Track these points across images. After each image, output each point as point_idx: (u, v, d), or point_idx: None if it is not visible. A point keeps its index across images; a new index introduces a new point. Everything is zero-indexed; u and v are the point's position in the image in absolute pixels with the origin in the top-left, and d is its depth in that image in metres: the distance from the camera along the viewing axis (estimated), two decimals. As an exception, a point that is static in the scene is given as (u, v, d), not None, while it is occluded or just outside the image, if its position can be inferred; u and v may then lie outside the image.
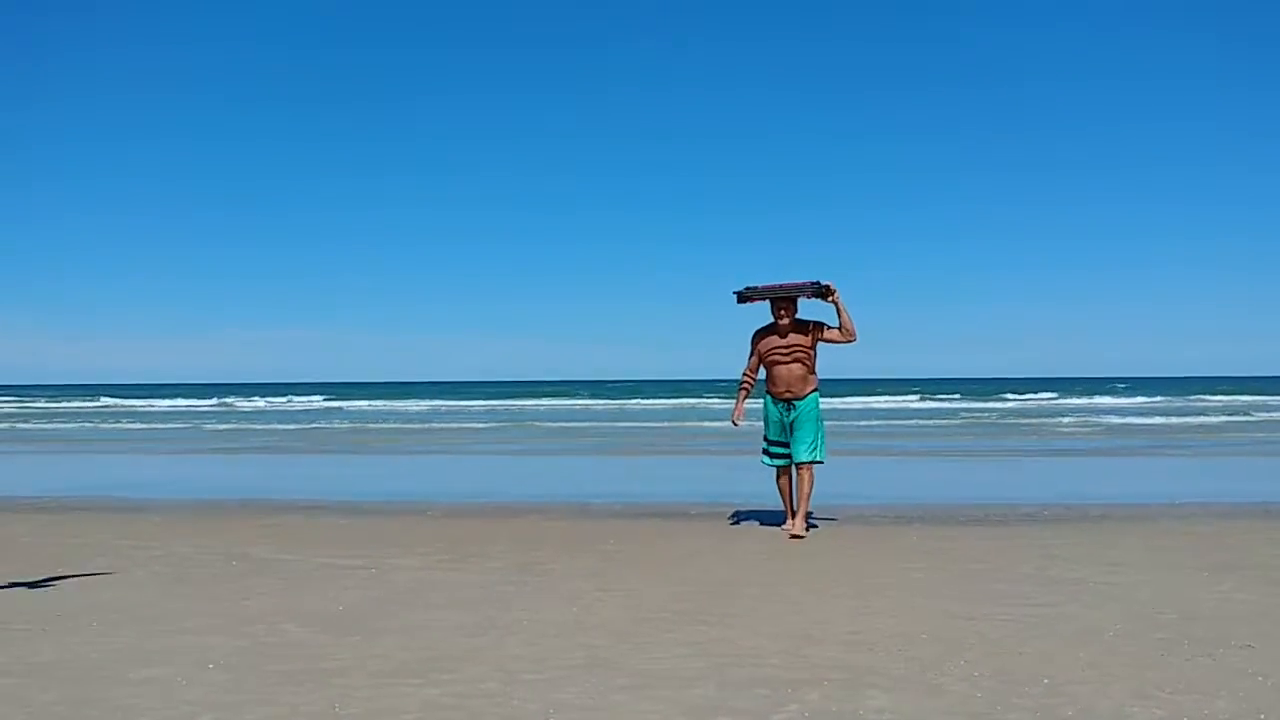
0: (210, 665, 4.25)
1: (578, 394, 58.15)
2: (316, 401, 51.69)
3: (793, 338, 8.01)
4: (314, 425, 30.59)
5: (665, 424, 28.66)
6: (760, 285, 8.08)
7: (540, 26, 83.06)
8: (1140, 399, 45.43)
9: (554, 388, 65.42)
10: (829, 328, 8.01)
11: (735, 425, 8.57)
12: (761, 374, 8.28)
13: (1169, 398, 46.20)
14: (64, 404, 51.20)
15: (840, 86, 79.69)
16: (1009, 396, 49.34)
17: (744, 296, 8.15)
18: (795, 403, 8.02)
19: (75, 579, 6.24)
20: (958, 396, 48.87)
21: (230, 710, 3.68)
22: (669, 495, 10.68)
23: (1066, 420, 29.07)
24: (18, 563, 6.78)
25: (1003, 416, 32.15)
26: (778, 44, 79.58)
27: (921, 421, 29.32)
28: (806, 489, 8.00)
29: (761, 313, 8.19)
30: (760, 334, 8.18)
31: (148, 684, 3.99)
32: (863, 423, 27.27)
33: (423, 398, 54.17)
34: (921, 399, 47.33)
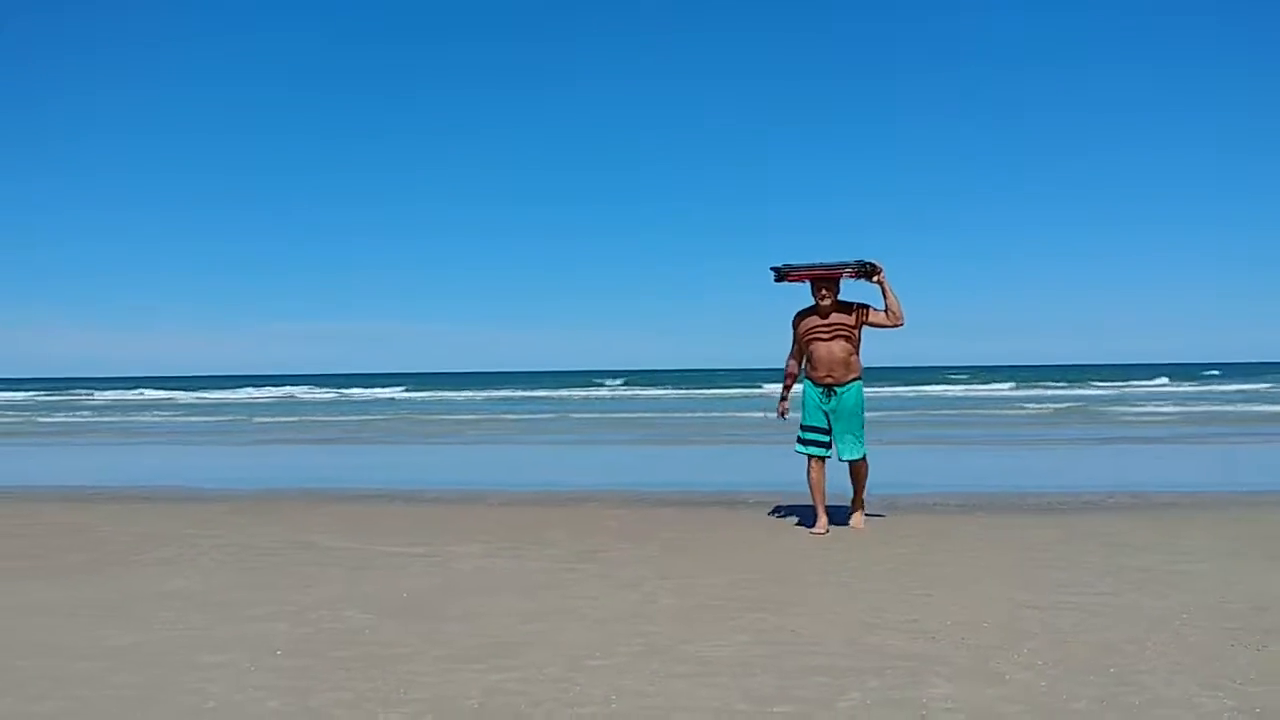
0: (277, 651, 4.33)
1: (639, 382, 58.23)
2: (376, 392, 52.19)
3: (835, 317, 7.44)
4: (372, 416, 30.91)
5: (717, 414, 28.60)
6: (800, 264, 7.52)
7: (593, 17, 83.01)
8: (1233, 385, 44.49)
9: (599, 376, 65.51)
10: (874, 310, 7.45)
11: (781, 418, 7.98)
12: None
13: (1270, 383, 44.97)
14: (133, 395, 52.21)
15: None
16: (1096, 383, 48.46)
17: (782, 274, 7.57)
18: (837, 389, 7.44)
19: (146, 567, 6.37)
20: (1058, 384, 48.10)
21: (297, 696, 3.74)
22: (726, 484, 10.67)
23: (1143, 408, 28.59)
24: (92, 551, 6.94)
25: (1084, 403, 31.71)
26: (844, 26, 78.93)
27: (990, 411, 29.00)
28: (862, 478, 7.65)
29: (801, 297, 7.70)
30: (800, 316, 7.63)
31: (217, 669, 4.07)
32: (936, 412, 27.02)
33: (478, 388, 54.53)
34: (1015, 387, 46.73)
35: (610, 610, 5.04)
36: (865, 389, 7.61)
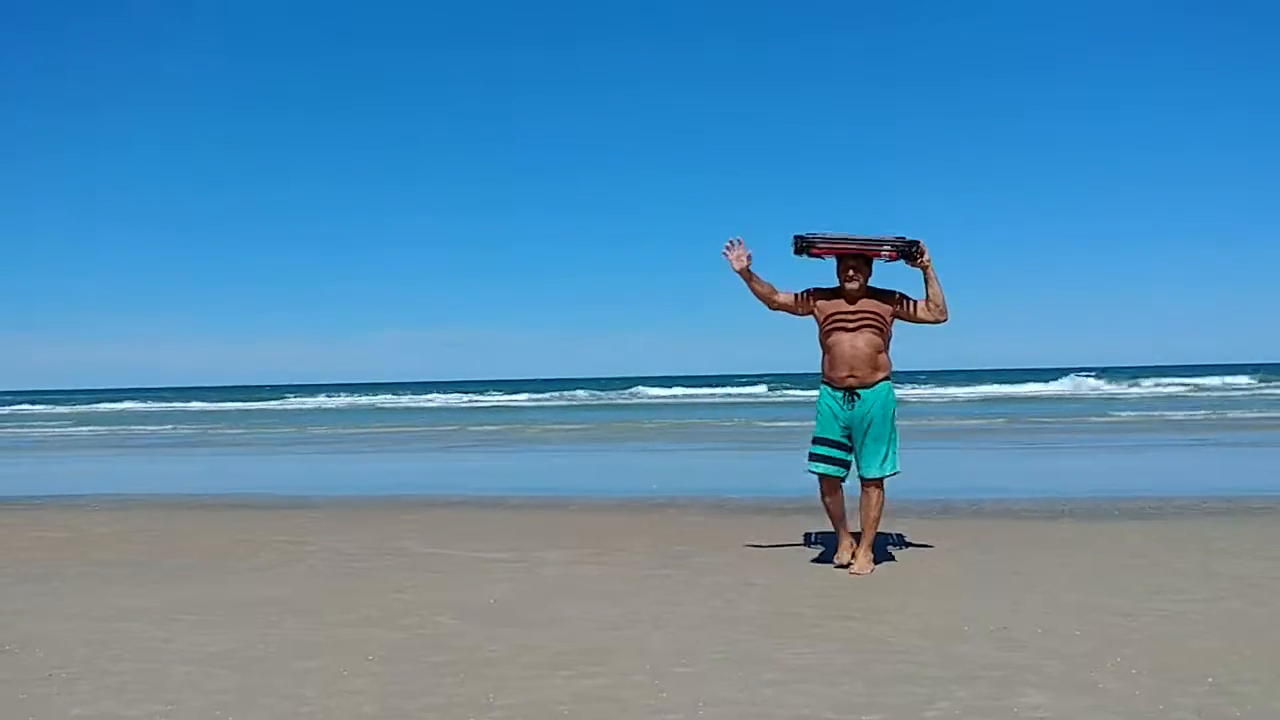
0: (370, 656, 4.41)
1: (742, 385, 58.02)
2: (453, 399, 52.74)
3: (864, 304, 6.16)
4: (451, 424, 31.26)
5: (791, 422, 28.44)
6: (829, 234, 6.20)
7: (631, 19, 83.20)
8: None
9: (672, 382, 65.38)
10: (915, 301, 6.21)
11: (733, 244, 6.25)
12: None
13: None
14: (226, 404, 53.41)
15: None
16: (1192, 381, 47.17)
17: (805, 244, 6.20)
18: (861, 392, 6.14)
19: (240, 573, 6.53)
20: (1125, 383, 47.04)
21: (391, 700, 3.81)
22: (809, 490, 10.60)
23: (1240, 412, 27.84)
24: (187, 556, 7.13)
25: (1169, 402, 30.99)
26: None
27: (1079, 417, 28.47)
28: (875, 512, 6.23)
29: (825, 276, 6.38)
30: (823, 295, 6.29)
31: (312, 674, 4.17)
32: (1016, 414, 26.61)
33: (557, 390, 54.80)
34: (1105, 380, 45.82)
35: (694, 617, 5.06)
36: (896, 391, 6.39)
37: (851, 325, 6.16)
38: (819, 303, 6.27)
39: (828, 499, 6.36)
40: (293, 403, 52.56)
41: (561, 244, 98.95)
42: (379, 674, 4.15)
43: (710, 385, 55.81)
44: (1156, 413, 26.29)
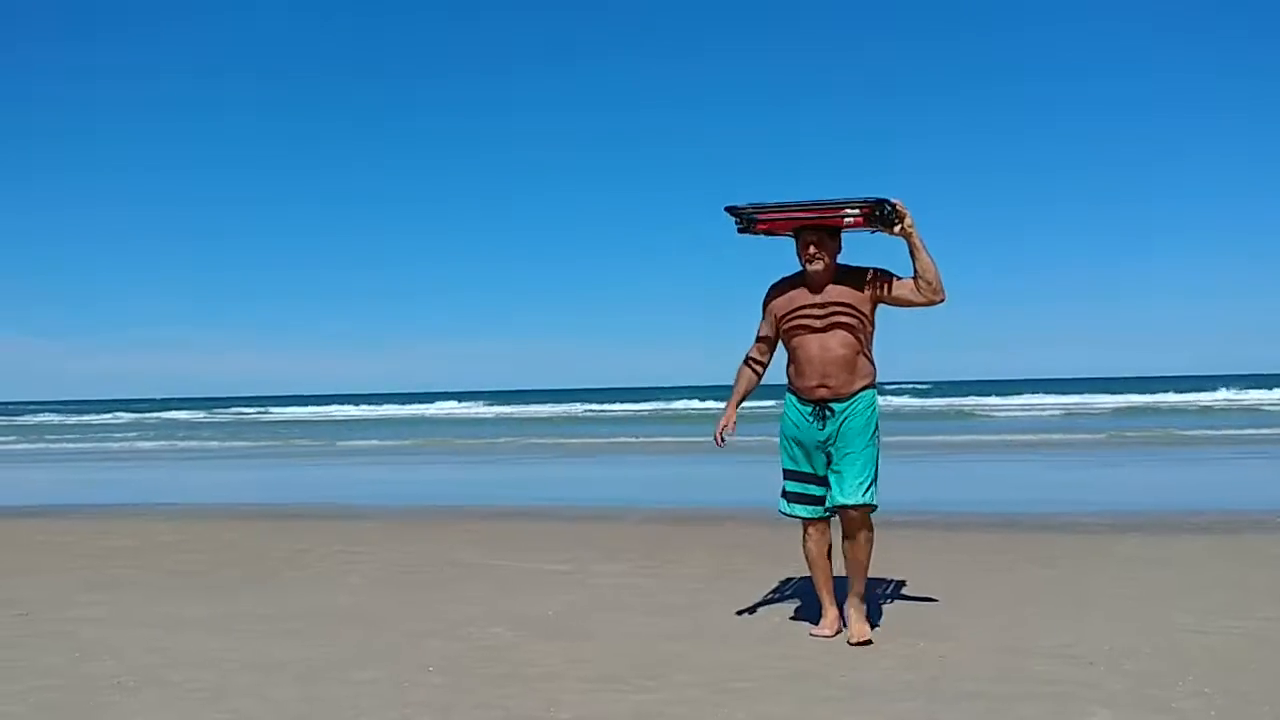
0: (429, 667, 4.42)
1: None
2: (505, 409, 52.93)
3: (833, 292, 4.79)
4: (503, 433, 31.40)
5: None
6: (776, 202, 4.87)
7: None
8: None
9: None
10: (899, 279, 4.80)
11: (718, 444, 5.13)
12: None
13: None
14: (280, 411, 54.10)
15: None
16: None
17: (746, 219, 4.93)
18: (835, 405, 4.81)
19: (300, 582, 6.58)
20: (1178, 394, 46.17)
21: (449, 712, 3.82)
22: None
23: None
24: (247, 566, 7.21)
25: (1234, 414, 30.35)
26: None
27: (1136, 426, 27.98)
28: (864, 555, 4.92)
29: (786, 261, 5.01)
30: (778, 289, 5.00)
31: (372, 684, 4.18)
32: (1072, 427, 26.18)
33: (630, 402, 54.77)
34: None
35: (752, 632, 5.02)
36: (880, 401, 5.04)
37: (819, 321, 4.79)
38: (777, 302, 4.95)
39: (810, 545, 5.03)
40: (339, 411, 53.12)
41: (612, 254, 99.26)
42: (438, 685, 4.16)
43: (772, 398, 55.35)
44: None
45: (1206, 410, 35.35)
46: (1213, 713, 3.62)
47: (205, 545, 8.26)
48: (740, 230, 4.96)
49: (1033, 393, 46.54)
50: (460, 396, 65.23)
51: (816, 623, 5.02)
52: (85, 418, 53.80)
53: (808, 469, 4.94)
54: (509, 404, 56.49)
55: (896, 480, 14.03)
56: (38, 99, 73.52)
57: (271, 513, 10.66)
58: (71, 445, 29.49)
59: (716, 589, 6.10)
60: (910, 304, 4.82)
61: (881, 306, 4.88)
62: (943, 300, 4.78)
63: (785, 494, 5.04)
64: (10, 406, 67.47)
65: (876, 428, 4.91)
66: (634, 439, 26.37)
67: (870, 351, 4.93)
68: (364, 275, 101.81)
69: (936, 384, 59.71)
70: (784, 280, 4.99)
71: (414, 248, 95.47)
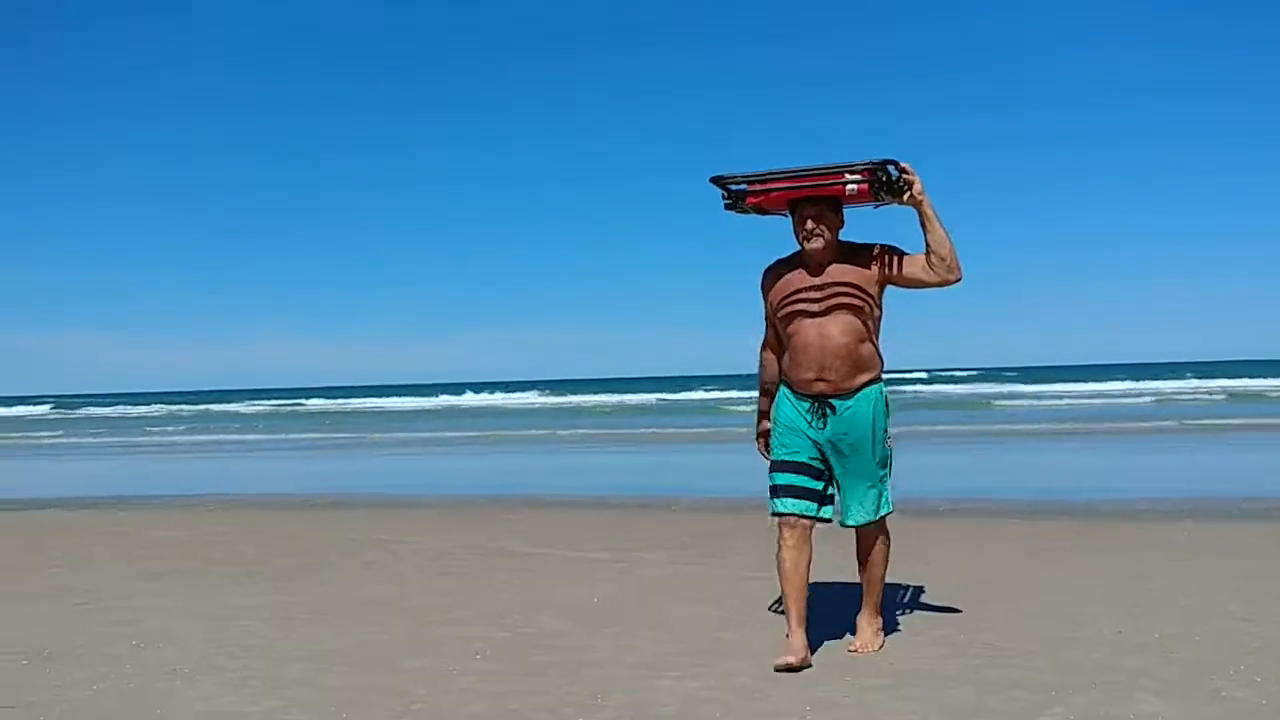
0: (477, 655, 4.47)
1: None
2: (550, 399, 53.08)
3: (834, 271, 4.23)
4: (548, 423, 31.51)
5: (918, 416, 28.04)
6: (766, 171, 4.29)
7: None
8: None
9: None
10: (909, 256, 4.23)
11: (765, 457, 4.55)
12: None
13: None
14: (326, 403, 54.62)
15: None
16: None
17: (733, 195, 4.40)
18: (836, 402, 4.23)
19: (349, 571, 6.66)
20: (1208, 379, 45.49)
21: (498, 699, 3.85)
22: (914, 491, 10.45)
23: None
24: (298, 555, 7.31)
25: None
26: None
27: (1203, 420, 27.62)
28: (879, 568, 4.54)
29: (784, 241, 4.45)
30: (774, 273, 4.42)
31: (421, 672, 4.23)
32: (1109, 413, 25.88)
33: (642, 392, 54.71)
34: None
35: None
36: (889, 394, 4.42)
37: (818, 306, 4.22)
38: (774, 288, 4.39)
39: (786, 554, 4.30)
40: (389, 402, 53.50)
41: (662, 241, 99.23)
42: (487, 672, 4.21)
43: None
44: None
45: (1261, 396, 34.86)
46: (1264, 702, 3.58)
47: (256, 535, 8.38)
48: (727, 207, 4.44)
49: (1135, 379, 45.71)
50: (514, 386, 65.44)
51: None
52: (128, 409, 54.67)
53: (802, 459, 4.30)
54: (568, 394, 56.53)
55: (946, 467, 13.99)
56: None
57: (320, 503, 10.79)
58: (120, 438, 29.97)
59: (762, 577, 6.09)
60: (922, 284, 4.22)
61: (890, 289, 4.31)
62: (958, 279, 4.20)
63: (774, 489, 4.34)
64: (66, 400, 68.57)
65: (888, 429, 4.35)
66: (684, 429, 26.40)
67: (877, 340, 4.33)
68: (424, 261, 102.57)
69: (1027, 369, 59.32)
70: (780, 262, 4.43)
71: (477, 235, 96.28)
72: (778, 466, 4.35)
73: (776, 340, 4.48)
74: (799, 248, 4.31)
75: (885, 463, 4.37)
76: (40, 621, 5.33)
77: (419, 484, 13.67)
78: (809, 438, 4.29)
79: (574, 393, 57.50)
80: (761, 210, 4.43)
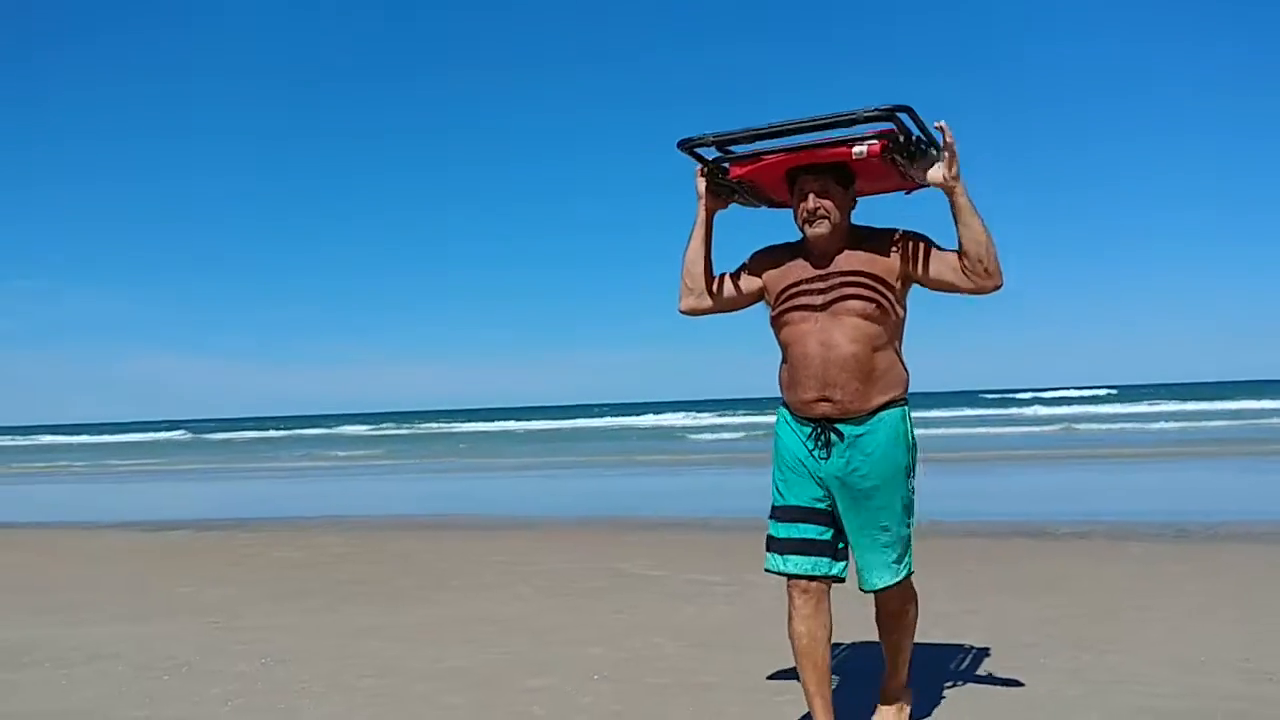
0: (595, 676, 4.54)
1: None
2: (667, 418, 53.11)
3: (844, 260, 3.32)
4: (665, 444, 31.58)
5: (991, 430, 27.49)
6: (754, 128, 3.22)
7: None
8: None
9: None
10: (939, 251, 3.30)
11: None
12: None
13: None
14: (441, 426, 55.58)
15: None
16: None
17: (711, 162, 3.40)
18: (846, 429, 3.30)
19: (468, 592, 6.81)
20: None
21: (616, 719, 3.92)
22: (1031, 513, 10.27)
23: None
24: (417, 576, 7.48)
25: None
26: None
27: None
28: (904, 637, 3.72)
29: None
30: (770, 258, 3.50)
31: (541, 692, 4.32)
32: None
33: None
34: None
35: (916, 644, 4.98)
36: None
37: (820, 302, 3.30)
38: (768, 273, 3.46)
39: (800, 623, 3.47)
40: (498, 425, 54.14)
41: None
42: (604, 693, 4.27)
43: (971, 405, 53.84)
44: None
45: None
46: None
47: (375, 556, 8.60)
48: (701, 173, 3.45)
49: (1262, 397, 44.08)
50: (661, 408, 65.18)
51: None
52: (255, 433, 56.34)
53: (806, 502, 3.40)
54: (710, 413, 56.22)
55: (1066, 490, 13.68)
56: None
57: (437, 524, 11.02)
58: (245, 463, 30.92)
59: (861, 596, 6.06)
60: (953, 288, 3.29)
61: (916, 288, 3.38)
62: (997, 286, 3.25)
63: (771, 542, 3.49)
64: (198, 423, 70.91)
65: (912, 466, 3.40)
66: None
67: (899, 347, 3.39)
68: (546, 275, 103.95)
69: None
70: (778, 247, 3.50)
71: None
72: (777, 514, 3.48)
73: (721, 283, 3.56)
74: (800, 237, 3.38)
75: (906, 508, 3.43)
76: (176, 638, 5.57)
77: (532, 506, 13.86)
78: (812, 474, 3.37)
79: (692, 411, 57.29)
80: (753, 191, 3.52)
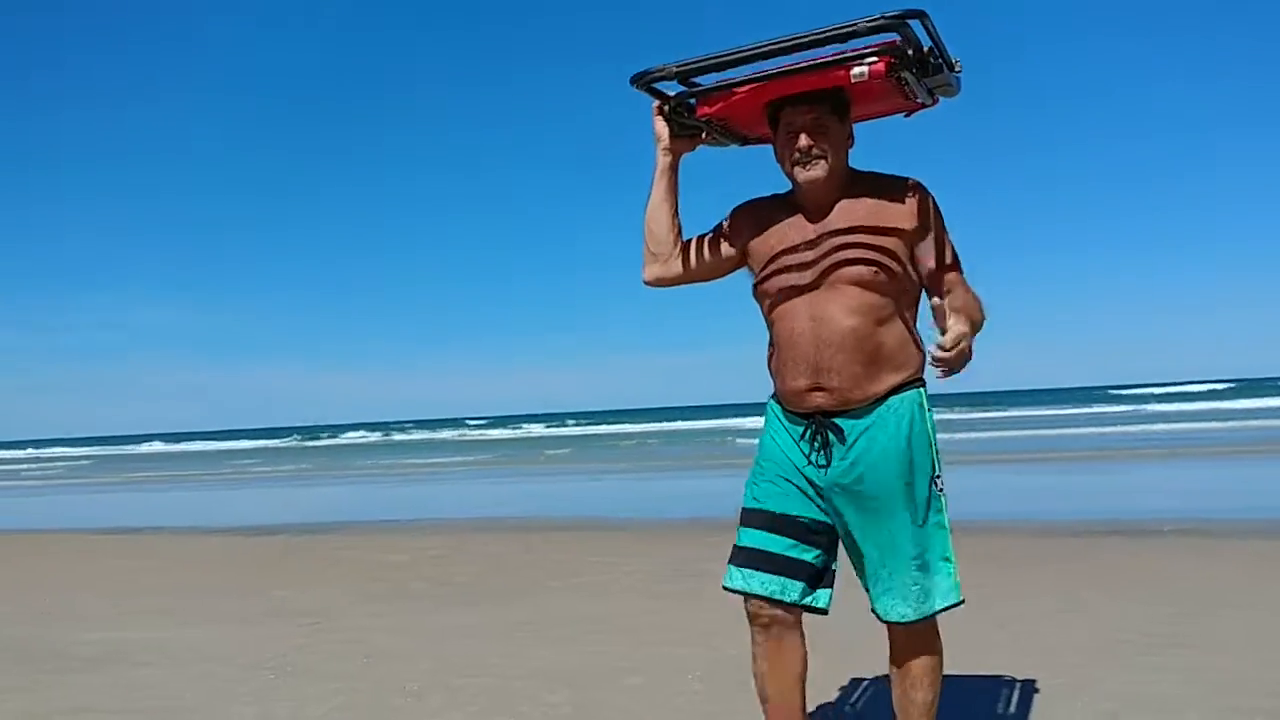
0: (689, 675, 4.55)
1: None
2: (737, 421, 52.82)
3: (846, 211, 2.72)
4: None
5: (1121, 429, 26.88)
6: (727, 52, 2.57)
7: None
8: None
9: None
10: (941, 250, 2.76)
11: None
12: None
13: None
14: (528, 429, 56.08)
15: None
16: None
17: (675, 98, 2.83)
18: (843, 421, 2.71)
19: (562, 592, 6.86)
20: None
21: (712, 719, 3.92)
22: (1135, 511, 10.03)
23: None
24: (513, 577, 7.56)
25: None
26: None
27: None
28: (924, 694, 2.85)
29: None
30: (751, 214, 2.91)
31: (637, 691, 4.34)
32: None
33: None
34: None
35: (1018, 642, 4.91)
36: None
37: (811, 270, 2.73)
38: (750, 233, 2.88)
39: (764, 662, 2.95)
40: (574, 429, 54.41)
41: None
42: (698, 693, 4.28)
43: (1036, 404, 52.84)
44: None
45: None
46: None
47: (472, 558, 8.70)
48: (659, 111, 2.88)
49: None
50: (700, 412, 65.37)
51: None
52: (355, 436, 57.43)
53: (791, 512, 2.81)
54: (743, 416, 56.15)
55: (1167, 486, 13.37)
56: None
57: (530, 525, 11.13)
58: (343, 469, 31.52)
59: (975, 601, 5.97)
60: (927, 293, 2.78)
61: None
62: (979, 322, 2.71)
63: (737, 554, 2.90)
64: (308, 429, 72.58)
65: (935, 465, 2.78)
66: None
67: (912, 320, 2.79)
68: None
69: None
70: (760, 201, 2.91)
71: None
72: (747, 518, 2.89)
73: (693, 246, 2.97)
74: (789, 179, 2.79)
75: (940, 518, 2.79)
76: (280, 638, 5.70)
77: (625, 507, 13.93)
78: (808, 485, 2.78)
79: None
80: (724, 130, 2.93)
